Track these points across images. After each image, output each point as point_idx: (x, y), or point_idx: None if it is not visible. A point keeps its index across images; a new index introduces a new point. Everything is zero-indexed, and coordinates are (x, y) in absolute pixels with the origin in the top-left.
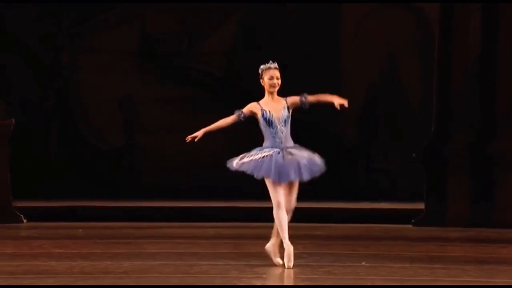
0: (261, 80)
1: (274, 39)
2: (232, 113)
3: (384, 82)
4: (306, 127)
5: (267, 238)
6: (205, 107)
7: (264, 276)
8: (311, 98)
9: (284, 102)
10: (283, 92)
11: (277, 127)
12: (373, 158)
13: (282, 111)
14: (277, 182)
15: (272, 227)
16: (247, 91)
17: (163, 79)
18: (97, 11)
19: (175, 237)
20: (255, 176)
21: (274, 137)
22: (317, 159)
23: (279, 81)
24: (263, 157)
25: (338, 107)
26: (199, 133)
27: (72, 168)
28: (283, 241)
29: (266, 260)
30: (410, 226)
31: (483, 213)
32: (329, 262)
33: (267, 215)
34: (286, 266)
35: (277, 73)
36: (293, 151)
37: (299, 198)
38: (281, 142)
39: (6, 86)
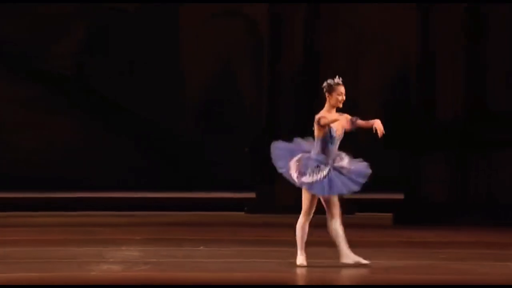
0: (327, 94)
1: (121, 41)
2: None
3: (220, 85)
4: (140, 123)
5: (114, 225)
6: (58, 106)
7: (112, 260)
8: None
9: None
10: (125, 94)
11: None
12: (208, 152)
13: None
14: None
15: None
16: (93, 91)
17: (17, 80)
18: None
19: (31, 225)
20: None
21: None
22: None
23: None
24: (324, 176)
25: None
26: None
27: None
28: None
29: (117, 245)
30: (243, 213)
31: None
32: (171, 247)
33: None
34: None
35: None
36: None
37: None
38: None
39: None
